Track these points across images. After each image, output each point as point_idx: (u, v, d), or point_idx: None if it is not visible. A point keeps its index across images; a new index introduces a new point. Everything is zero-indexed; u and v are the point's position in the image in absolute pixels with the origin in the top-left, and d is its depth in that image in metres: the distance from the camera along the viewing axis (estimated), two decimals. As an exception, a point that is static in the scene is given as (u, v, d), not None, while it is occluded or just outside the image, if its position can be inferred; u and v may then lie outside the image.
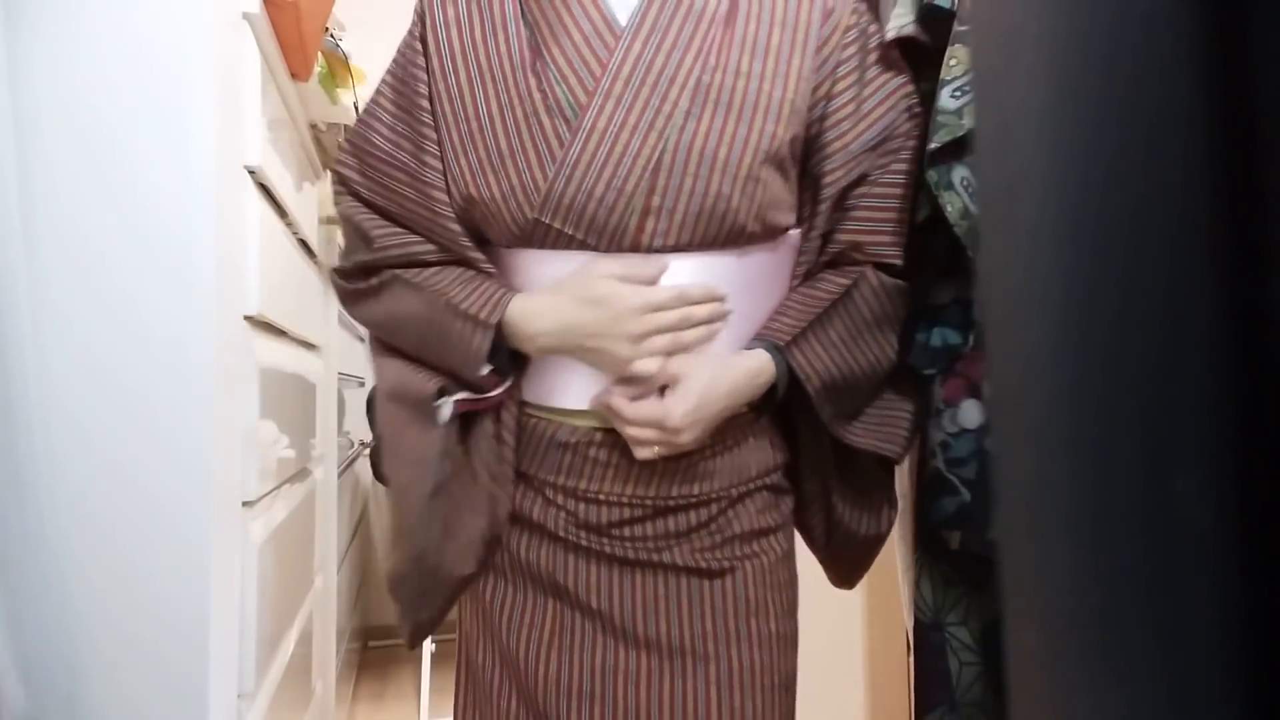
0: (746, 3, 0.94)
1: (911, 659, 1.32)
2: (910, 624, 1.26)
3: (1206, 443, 0.31)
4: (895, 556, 1.49)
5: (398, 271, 0.98)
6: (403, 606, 1.02)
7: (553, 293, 0.92)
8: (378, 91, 1.01)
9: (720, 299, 0.92)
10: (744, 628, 0.94)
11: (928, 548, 1.19)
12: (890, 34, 0.98)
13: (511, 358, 0.95)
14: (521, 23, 0.94)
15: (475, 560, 0.98)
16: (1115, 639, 0.36)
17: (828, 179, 0.95)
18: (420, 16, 0.99)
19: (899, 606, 1.55)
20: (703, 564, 0.95)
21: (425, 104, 0.96)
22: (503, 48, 0.94)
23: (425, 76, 0.96)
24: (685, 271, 0.92)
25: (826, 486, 1.02)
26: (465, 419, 0.95)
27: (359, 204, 1.01)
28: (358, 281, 1.03)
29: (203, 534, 0.93)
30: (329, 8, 1.43)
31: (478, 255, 0.96)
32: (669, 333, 0.89)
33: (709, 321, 0.91)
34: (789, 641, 0.99)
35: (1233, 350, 0.30)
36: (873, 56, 0.96)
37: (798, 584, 1.03)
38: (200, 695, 0.92)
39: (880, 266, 0.97)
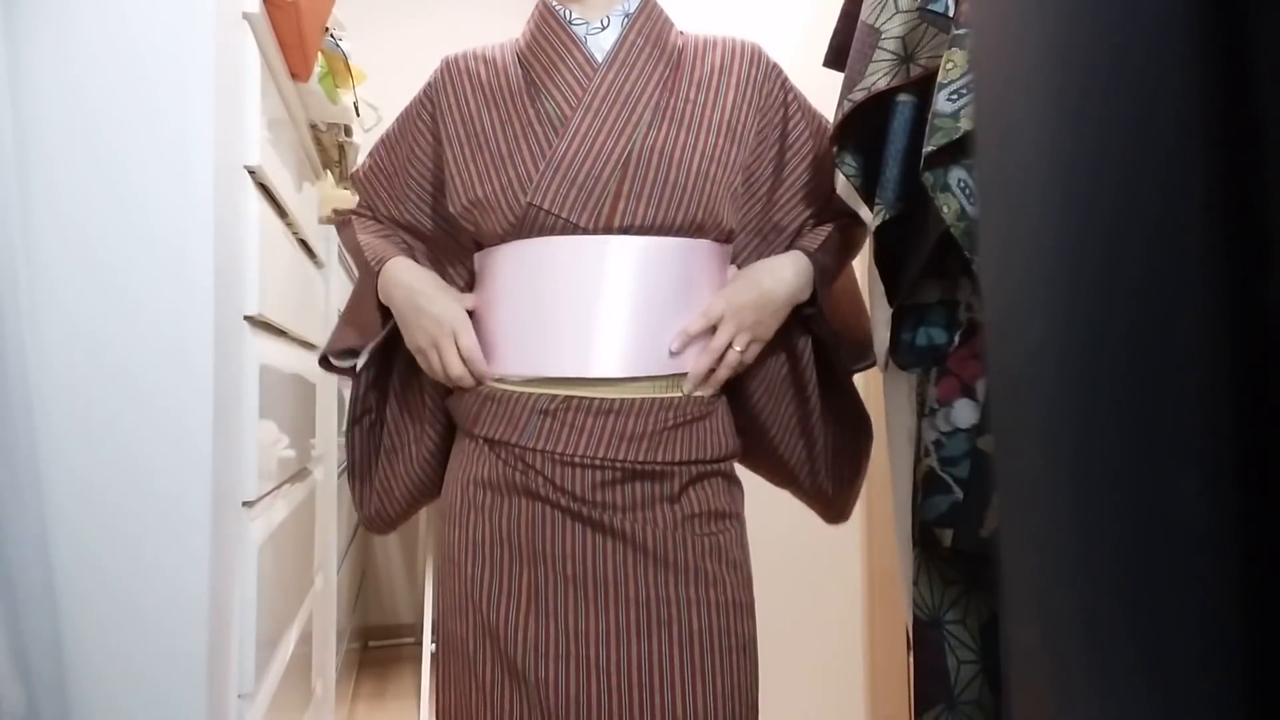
0: (691, 51, 1.20)
1: (911, 657, 1.32)
2: (910, 622, 1.27)
3: (1206, 442, 0.31)
4: (895, 556, 1.48)
5: (353, 220, 1.31)
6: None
7: (420, 280, 1.19)
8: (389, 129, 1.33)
9: (482, 379, 1.13)
10: (702, 595, 1.08)
11: (925, 546, 1.19)
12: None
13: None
14: (518, 65, 1.20)
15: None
16: (1113, 637, 0.36)
17: (804, 215, 1.23)
18: (437, 74, 1.24)
19: (899, 605, 1.55)
20: (667, 539, 1.08)
21: (417, 143, 1.24)
22: (504, 80, 1.19)
23: (427, 123, 1.23)
24: (645, 249, 1.12)
25: (810, 423, 1.22)
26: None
27: (364, 184, 1.34)
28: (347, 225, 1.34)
29: (203, 534, 0.93)
30: (329, 8, 1.43)
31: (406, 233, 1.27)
32: (440, 361, 1.14)
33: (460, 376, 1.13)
34: (745, 609, 1.12)
35: (1232, 350, 0.30)
36: (813, 112, 1.25)
37: (750, 563, 1.17)
38: (200, 695, 0.92)
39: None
